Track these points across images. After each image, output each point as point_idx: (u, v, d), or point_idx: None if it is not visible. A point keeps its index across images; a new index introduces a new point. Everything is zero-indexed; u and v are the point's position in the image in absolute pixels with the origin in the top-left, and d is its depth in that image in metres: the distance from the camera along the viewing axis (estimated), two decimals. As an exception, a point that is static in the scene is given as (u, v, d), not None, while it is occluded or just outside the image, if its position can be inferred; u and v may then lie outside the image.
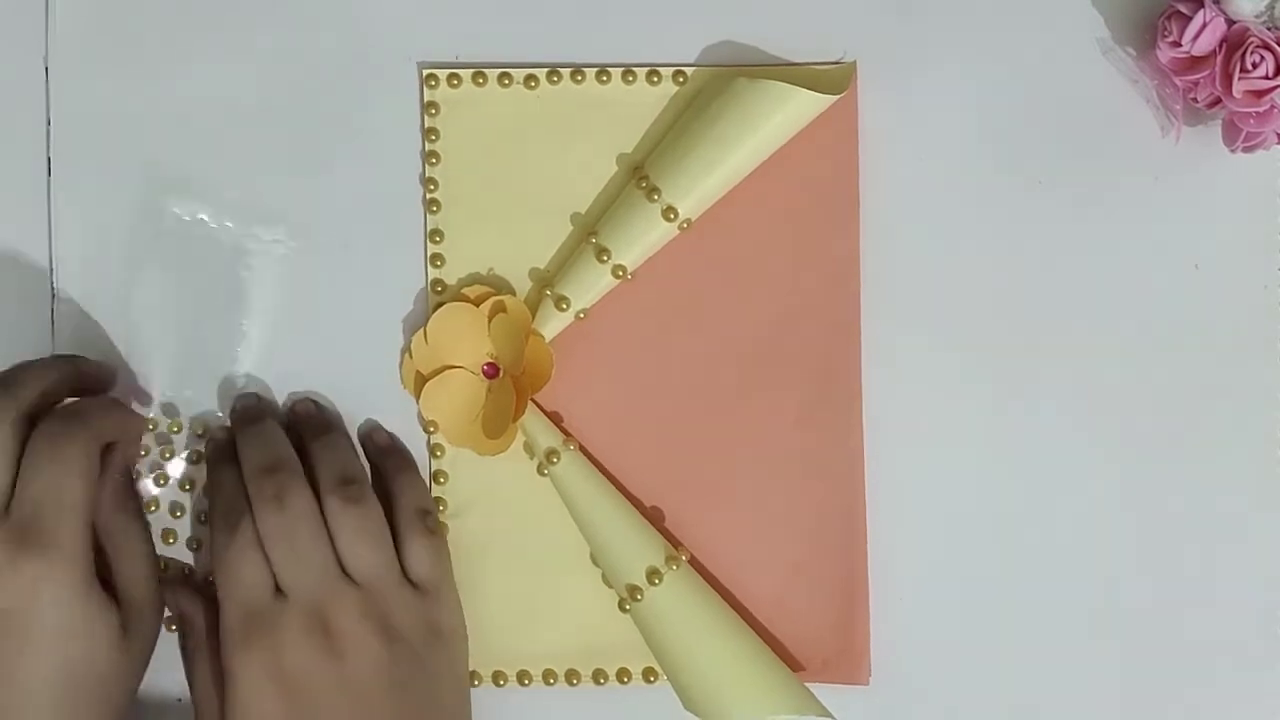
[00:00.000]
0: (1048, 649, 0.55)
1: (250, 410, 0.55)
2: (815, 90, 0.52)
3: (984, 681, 0.55)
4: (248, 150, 0.56)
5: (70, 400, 0.52)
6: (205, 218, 0.55)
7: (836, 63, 0.55)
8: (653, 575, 0.53)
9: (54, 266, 0.56)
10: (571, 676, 0.55)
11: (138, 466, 0.55)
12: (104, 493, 0.51)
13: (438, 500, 0.55)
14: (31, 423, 0.49)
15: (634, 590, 0.53)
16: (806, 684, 0.53)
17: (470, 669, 0.55)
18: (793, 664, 0.54)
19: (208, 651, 0.52)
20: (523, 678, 0.55)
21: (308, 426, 0.54)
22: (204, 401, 0.55)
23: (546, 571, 0.55)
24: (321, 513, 0.51)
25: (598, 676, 0.55)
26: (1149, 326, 0.55)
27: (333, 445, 0.53)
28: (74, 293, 0.55)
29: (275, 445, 0.52)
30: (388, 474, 0.54)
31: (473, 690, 0.54)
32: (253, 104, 0.56)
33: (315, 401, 0.55)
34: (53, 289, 0.56)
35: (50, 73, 0.56)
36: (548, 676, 0.55)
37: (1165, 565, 0.55)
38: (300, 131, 0.55)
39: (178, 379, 0.55)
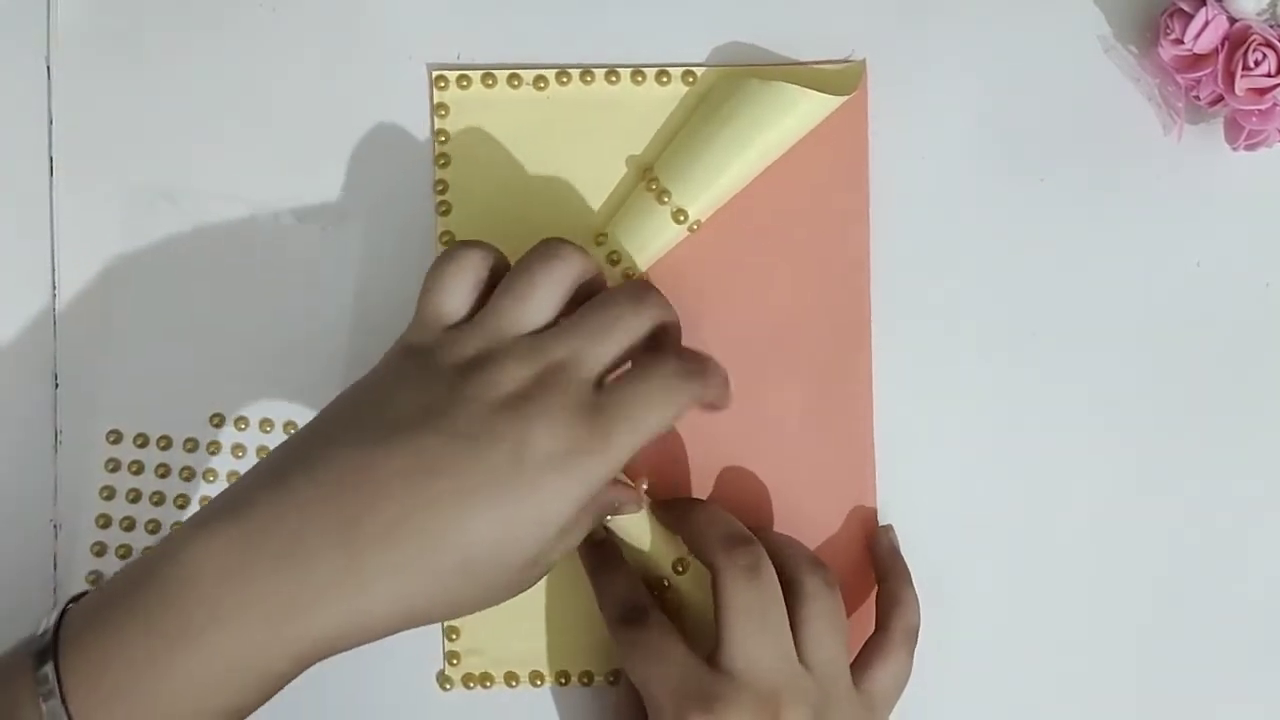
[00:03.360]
0: (1060, 645, 0.55)
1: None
2: (825, 91, 0.52)
3: (998, 677, 0.55)
4: (254, 153, 0.55)
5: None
6: (210, 218, 0.55)
7: (845, 62, 0.55)
8: (679, 563, 0.52)
9: (55, 265, 0.55)
10: (584, 677, 0.55)
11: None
12: None
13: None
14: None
15: (662, 580, 0.53)
16: None
17: (482, 670, 0.55)
18: None
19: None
20: (535, 678, 0.55)
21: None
22: (206, 405, 0.55)
23: (562, 571, 0.54)
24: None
25: (611, 678, 0.55)
26: (1150, 324, 0.56)
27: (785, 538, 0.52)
28: (76, 292, 0.55)
29: (734, 521, 0.51)
30: (889, 584, 0.53)
31: (485, 691, 0.55)
32: (259, 106, 0.55)
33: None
34: (54, 288, 0.55)
35: (52, 72, 0.55)
36: (560, 677, 0.55)
37: (1170, 563, 0.56)
38: (308, 134, 0.55)
39: (179, 381, 0.55)
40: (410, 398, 0.44)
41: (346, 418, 0.45)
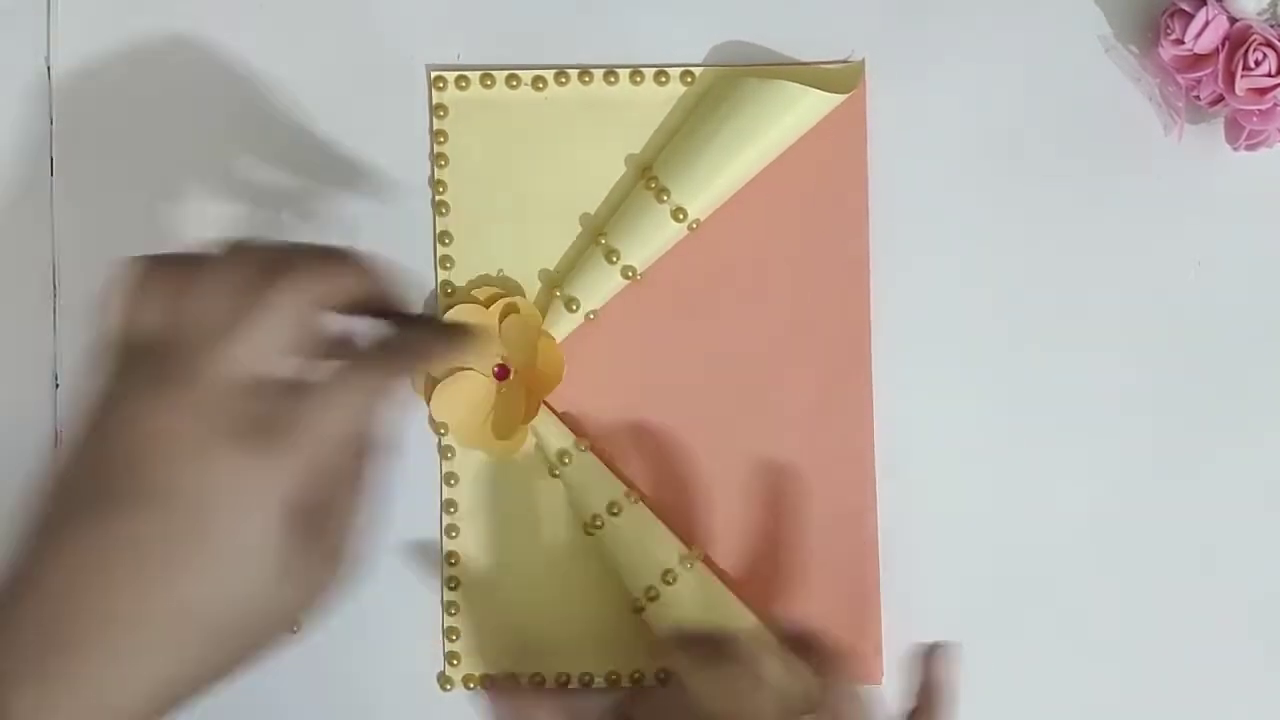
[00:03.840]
0: (1061, 645, 0.55)
1: None
2: (824, 89, 0.52)
3: (996, 678, 0.55)
4: (253, 154, 0.55)
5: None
6: (209, 219, 0.55)
7: (844, 61, 0.55)
8: (667, 575, 0.53)
9: (56, 266, 0.55)
10: (584, 678, 0.55)
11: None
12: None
13: (449, 503, 0.55)
14: None
15: (649, 590, 0.53)
16: None
17: (482, 671, 0.55)
18: None
19: None
20: (535, 679, 0.55)
21: None
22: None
23: (559, 573, 0.55)
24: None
25: (611, 678, 0.55)
26: (1150, 324, 0.56)
27: None
28: (75, 292, 0.55)
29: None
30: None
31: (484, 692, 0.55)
32: (259, 107, 0.55)
33: None
34: (54, 288, 0.55)
35: (53, 72, 0.56)
36: (560, 679, 0.55)
37: (1170, 563, 0.56)
38: (307, 134, 0.55)
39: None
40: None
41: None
